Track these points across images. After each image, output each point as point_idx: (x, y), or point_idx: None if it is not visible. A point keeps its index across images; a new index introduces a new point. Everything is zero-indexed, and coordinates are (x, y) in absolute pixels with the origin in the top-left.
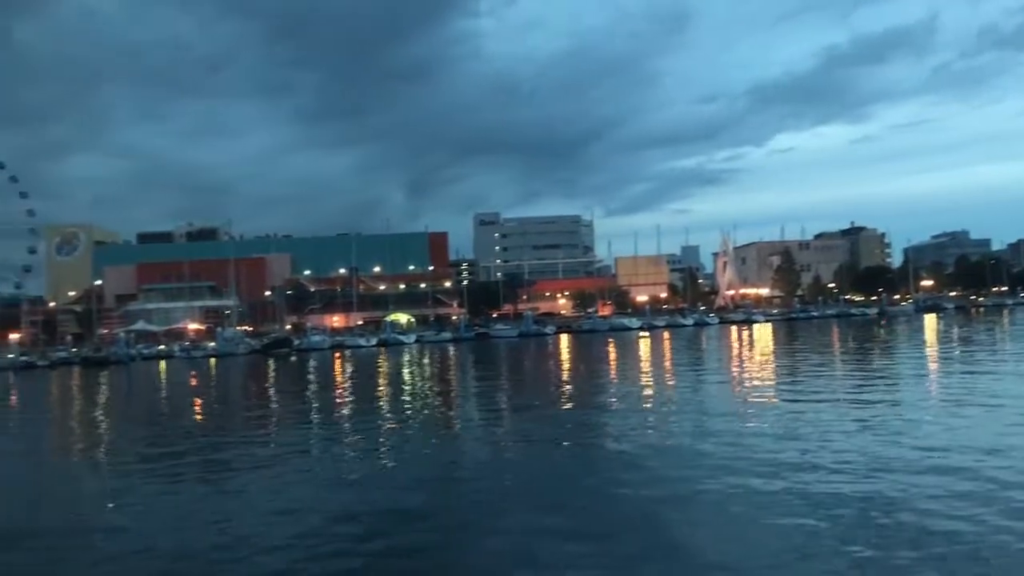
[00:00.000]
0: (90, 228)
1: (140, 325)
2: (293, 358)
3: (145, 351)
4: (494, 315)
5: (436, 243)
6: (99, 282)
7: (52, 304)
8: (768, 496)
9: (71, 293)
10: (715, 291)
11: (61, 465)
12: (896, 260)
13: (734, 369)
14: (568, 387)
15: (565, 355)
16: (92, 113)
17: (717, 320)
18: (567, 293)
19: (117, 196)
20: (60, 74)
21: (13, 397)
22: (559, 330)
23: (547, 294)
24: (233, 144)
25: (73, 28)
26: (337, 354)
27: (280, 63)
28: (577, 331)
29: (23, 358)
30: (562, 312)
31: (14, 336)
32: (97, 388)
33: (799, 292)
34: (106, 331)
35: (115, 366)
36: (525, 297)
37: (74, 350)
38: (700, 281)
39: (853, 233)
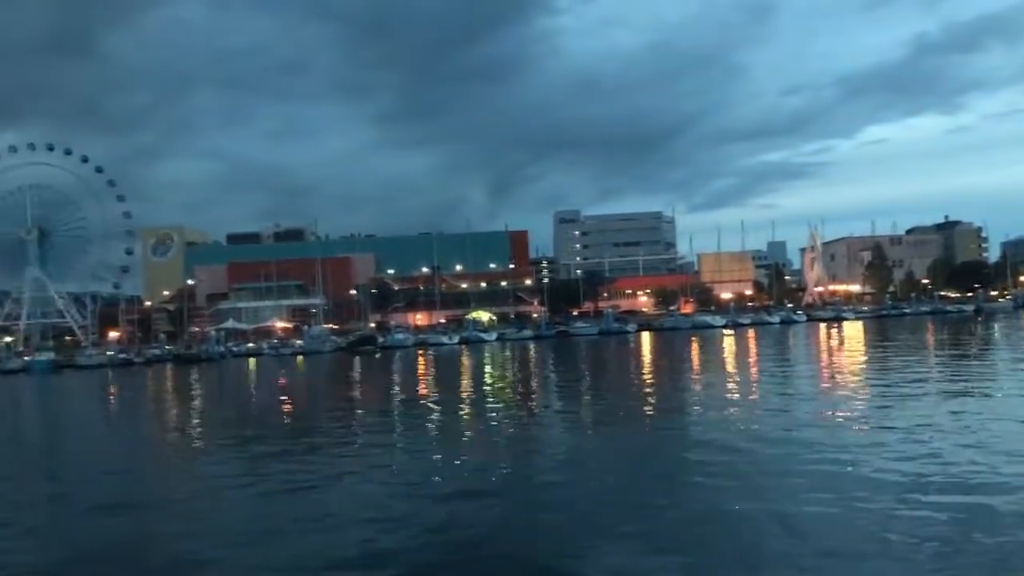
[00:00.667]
0: (182, 230)
1: (230, 323)
2: (378, 355)
3: (235, 349)
4: (574, 313)
5: (517, 241)
6: (191, 282)
7: (148, 303)
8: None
9: (165, 292)
10: (802, 288)
11: (156, 453)
12: (993, 255)
13: (826, 369)
14: (652, 386)
15: (647, 353)
16: (181, 118)
17: (805, 318)
18: (648, 291)
19: (207, 198)
20: (150, 82)
21: (112, 392)
22: (640, 328)
23: (628, 292)
24: (316, 145)
25: (161, 37)
26: (420, 351)
27: (360, 65)
28: (659, 329)
29: (121, 355)
30: (643, 310)
31: (113, 334)
32: (189, 384)
33: (891, 289)
34: (198, 329)
35: (206, 363)
36: (606, 295)
37: (167, 348)
38: (787, 278)
39: (947, 227)
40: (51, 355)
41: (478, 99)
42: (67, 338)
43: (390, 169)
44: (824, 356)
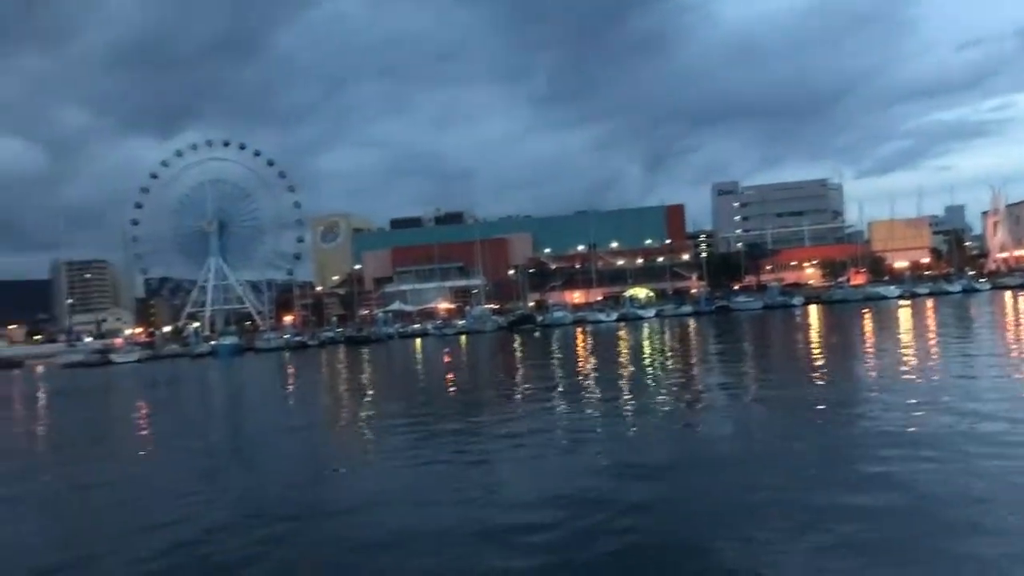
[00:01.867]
0: (348, 217)
1: (396, 305)
2: (537, 333)
3: (402, 330)
4: (735, 287)
5: (673, 216)
6: (358, 267)
7: (319, 288)
8: None
9: (334, 277)
10: (985, 254)
11: (330, 430)
12: None
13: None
14: (826, 361)
15: (816, 327)
16: (345, 110)
17: (988, 286)
18: (815, 262)
19: (371, 185)
20: (315, 76)
21: (291, 371)
22: (807, 301)
23: (792, 264)
24: (474, 130)
25: (323, 32)
26: (579, 329)
27: (515, 47)
28: (827, 302)
29: (296, 338)
30: (810, 282)
31: (288, 318)
32: (361, 364)
33: None
34: (366, 312)
35: (375, 344)
36: (769, 267)
37: (339, 330)
38: (967, 244)
39: None
40: (234, 339)
41: (632, 73)
42: (247, 323)
43: (546, 149)
44: (1015, 327)
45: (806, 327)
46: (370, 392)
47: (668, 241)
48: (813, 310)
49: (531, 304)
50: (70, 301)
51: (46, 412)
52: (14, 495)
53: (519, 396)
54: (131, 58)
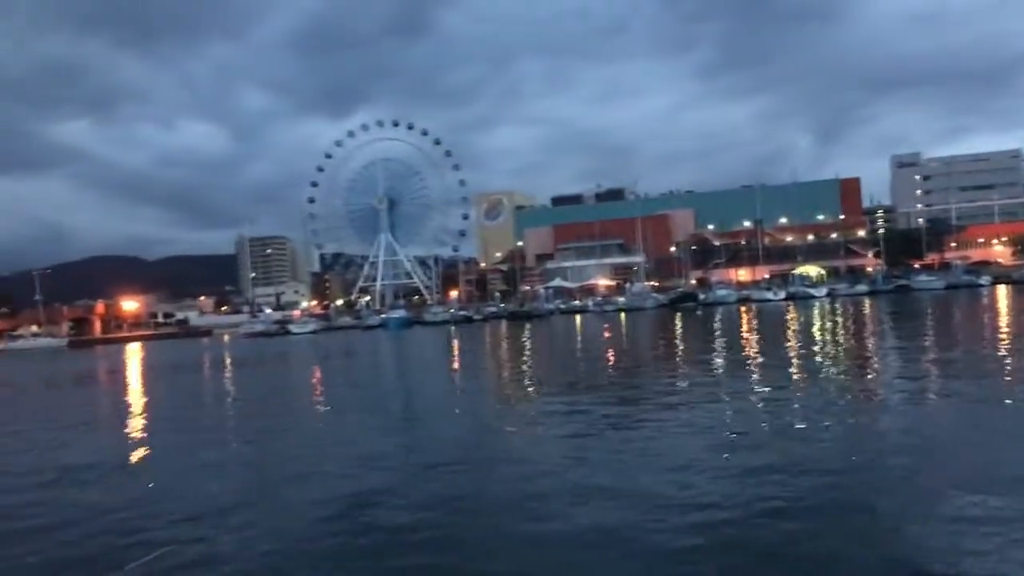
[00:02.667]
0: (511, 194)
1: (557, 282)
2: (699, 312)
3: (562, 306)
4: (916, 265)
5: (848, 190)
6: (521, 243)
7: (483, 264)
8: None
9: (497, 254)
10: None
11: (496, 397)
12: None
13: None
14: (1018, 348)
15: (1005, 309)
16: (508, 88)
17: None
18: (1005, 239)
19: (533, 163)
20: (480, 55)
21: (456, 344)
22: (996, 281)
23: (980, 241)
24: (636, 104)
25: (489, 10)
26: (743, 308)
27: (680, 19)
28: (1018, 281)
29: (461, 312)
30: (999, 261)
31: (453, 293)
32: (523, 338)
33: None
34: (528, 288)
35: (537, 319)
36: (953, 245)
37: (502, 305)
38: None
39: None
40: (403, 312)
41: (804, 40)
42: (415, 297)
43: (710, 123)
44: None
45: (995, 309)
46: (532, 365)
47: (842, 217)
48: (1002, 290)
49: (693, 282)
50: (253, 275)
51: (237, 376)
52: (217, 449)
53: (678, 375)
54: (308, 43)
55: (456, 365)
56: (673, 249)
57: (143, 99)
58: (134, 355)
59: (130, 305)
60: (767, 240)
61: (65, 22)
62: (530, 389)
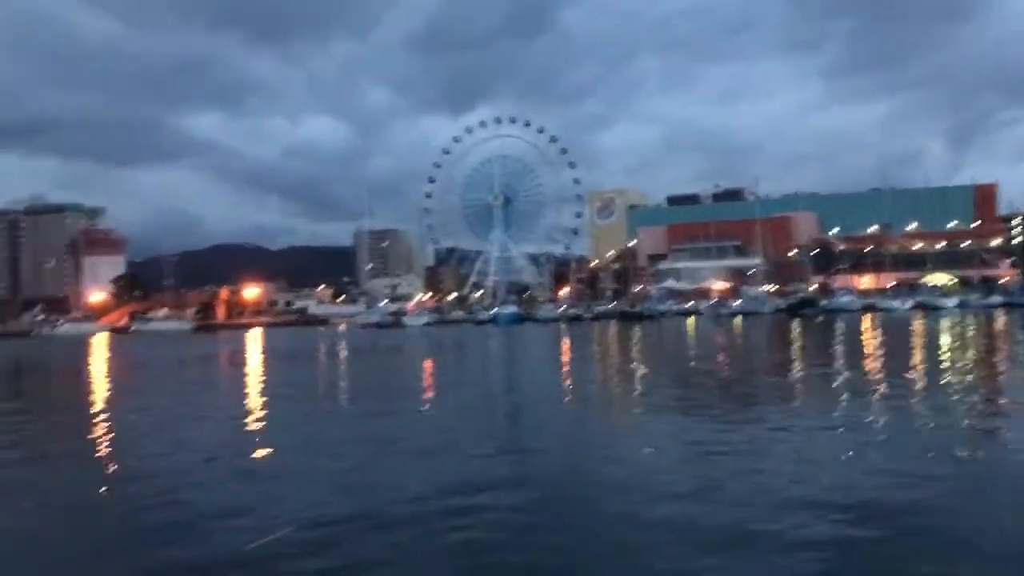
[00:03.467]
0: (625, 193)
1: (670, 283)
2: (819, 319)
3: (674, 307)
4: None
5: (983, 196)
6: (633, 242)
7: (594, 263)
8: None
9: (609, 253)
10: None
11: (602, 393)
12: None
13: None
14: None
15: None
16: (626, 85)
17: None
18: None
19: (648, 162)
20: (598, 52)
21: (565, 342)
22: None
23: None
24: (758, 105)
25: (609, 7)
26: (867, 316)
27: (809, 16)
28: None
29: (571, 311)
30: None
31: (564, 291)
32: (632, 338)
33: None
34: (639, 288)
35: (647, 320)
36: None
37: (612, 304)
38: None
39: None
40: (514, 309)
41: (938, 40)
42: (527, 294)
43: (836, 124)
44: None
45: None
46: (640, 366)
47: (976, 224)
48: None
49: (813, 287)
50: (370, 267)
51: (353, 365)
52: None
53: (794, 385)
54: (428, 41)
55: (565, 363)
56: (793, 253)
57: (271, 93)
58: (255, 340)
59: (252, 292)
60: (894, 246)
61: (200, 19)
62: (638, 393)
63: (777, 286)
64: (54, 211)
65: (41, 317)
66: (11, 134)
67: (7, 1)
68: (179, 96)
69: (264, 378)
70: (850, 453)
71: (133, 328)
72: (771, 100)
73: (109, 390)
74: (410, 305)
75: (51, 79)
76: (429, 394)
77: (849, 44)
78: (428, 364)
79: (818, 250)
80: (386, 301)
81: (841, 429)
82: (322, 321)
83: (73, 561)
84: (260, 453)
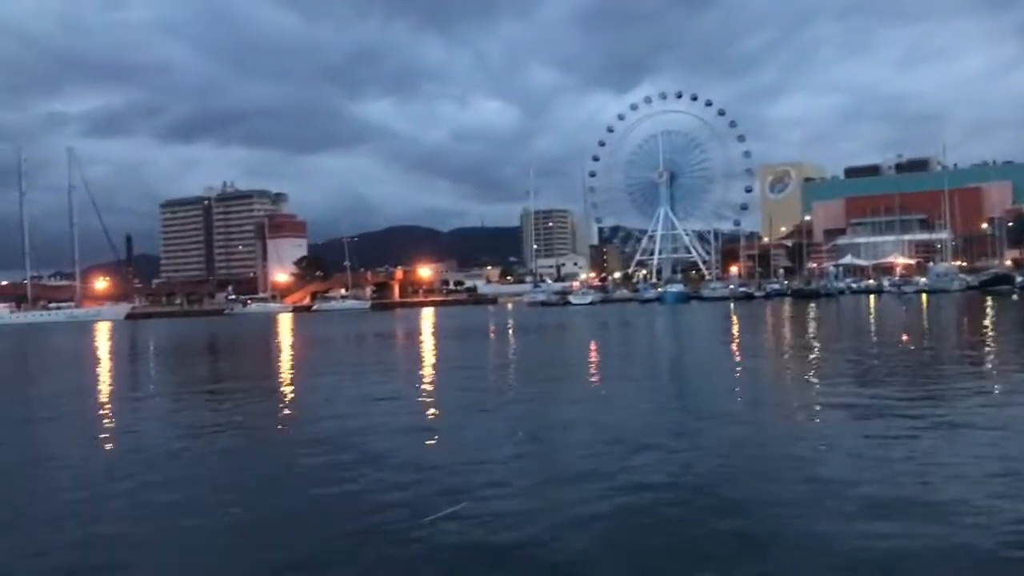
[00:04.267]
0: (799, 166)
1: (848, 259)
2: (1015, 297)
3: (854, 285)
4: None
5: None
6: (808, 217)
7: (766, 239)
8: None
9: (782, 229)
10: None
11: (774, 377)
12: None
13: None
14: None
15: None
16: (799, 54)
17: None
18: None
19: (824, 132)
20: (770, 21)
21: (735, 321)
22: None
23: None
24: (947, 68)
25: None
26: None
27: None
28: None
29: (741, 288)
30: None
31: (733, 269)
32: (807, 318)
33: None
34: (815, 265)
35: (824, 299)
36: None
37: (785, 283)
38: None
39: None
40: (680, 287)
41: None
42: (693, 272)
43: None
44: None
45: None
46: (815, 347)
47: None
48: None
49: (1008, 262)
50: (535, 247)
51: (521, 341)
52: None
53: (990, 372)
54: (594, 18)
55: (733, 343)
56: (985, 226)
57: (441, 78)
58: (429, 318)
59: (425, 272)
60: None
61: (373, 9)
62: (813, 376)
63: (967, 262)
64: (242, 197)
65: (232, 297)
66: (203, 126)
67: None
68: (354, 85)
69: (442, 355)
70: None
71: (315, 307)
72: (960, 62)
73: (296, 362)
74: (575, 284)
75: (238, 73)
76: (595, 374)
77: None
78: (593, 343)
79: (1013, 222)
80: (552, 280)
81: None
82: (491, 300)
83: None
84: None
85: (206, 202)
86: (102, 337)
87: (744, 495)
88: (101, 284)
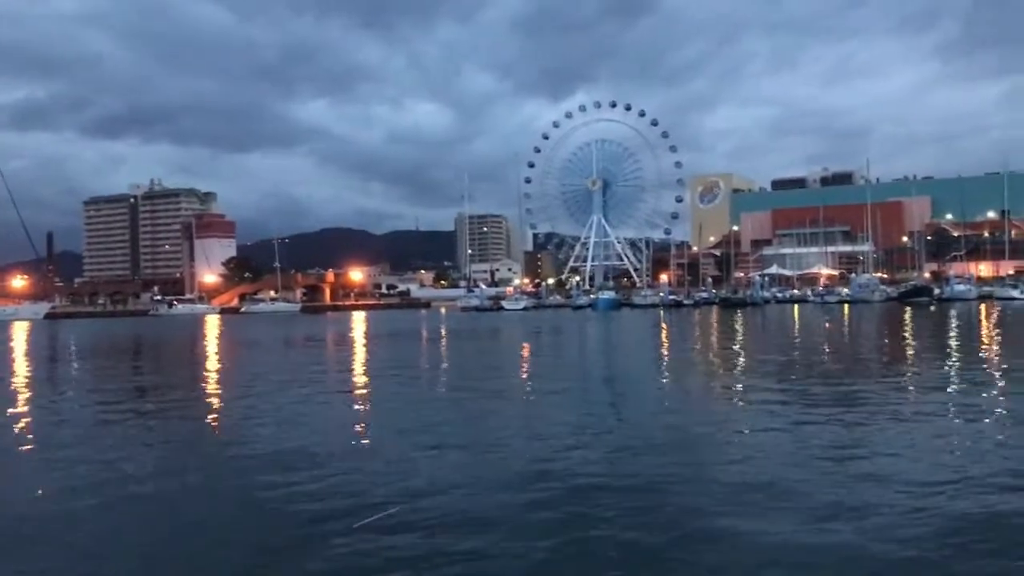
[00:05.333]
0: (729, 177)
1: (774, 269)
2: (932, 308)
3: (779, 295)
4: None
5: None
6: (736, 228)
7: (695, 248)
8: None
9: (711, 238)
10: None
11: (701, 382)
12: None
13: None
14: None
15: None
16: (731, 67)
17: None
18: None
19: (753, 145)
20: (703, 32)
21: (664, 328)
22: None
23: None
24: (870, 85)
25: None
26: (984, 306)
27: None
28: None
29: (671, 296)
30: None
31: (663, 276)
32: (734, 326)
33: None
34: (742, 274)
35: (750, 308)
36: None
37: (713, 291)
38: None
39: None
40: (612, 294)
41: None
42: (625, 279)
43: (952, 105)
44: None
45: None
46: (741, 354)
47: None
48: None
49: (927, 275)
50: (470, 251)
51: (453, 347)
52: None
53: (905, 380)
54: (531, 25)
55: (664, 350)
56: (905, 239)
57: (377, 79)
58: (360, 322)
59: (357, 275)
60: (1014, 233)
61: (309, 7)
62: (739, 381)
63: (887, 273)
64: (170, 196)
65: (158, 297)
66: (130, 122)
67: None
68: (288, 84)
69: (372, 358)
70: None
71: (243, 309)
72: (883, 80)
73: (220, 366)
74: (509, 289)
75: (167, 69)
76: (527, 378)
77: (965, 22)
78: (526, 348)
79: (932, 236)
80: (486, 285)
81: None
82: (424, 304)
83: None
84: (361, 432)
85: (132, 200)
86: (19, 336)
87: (669, 500)
88: (19, 282)
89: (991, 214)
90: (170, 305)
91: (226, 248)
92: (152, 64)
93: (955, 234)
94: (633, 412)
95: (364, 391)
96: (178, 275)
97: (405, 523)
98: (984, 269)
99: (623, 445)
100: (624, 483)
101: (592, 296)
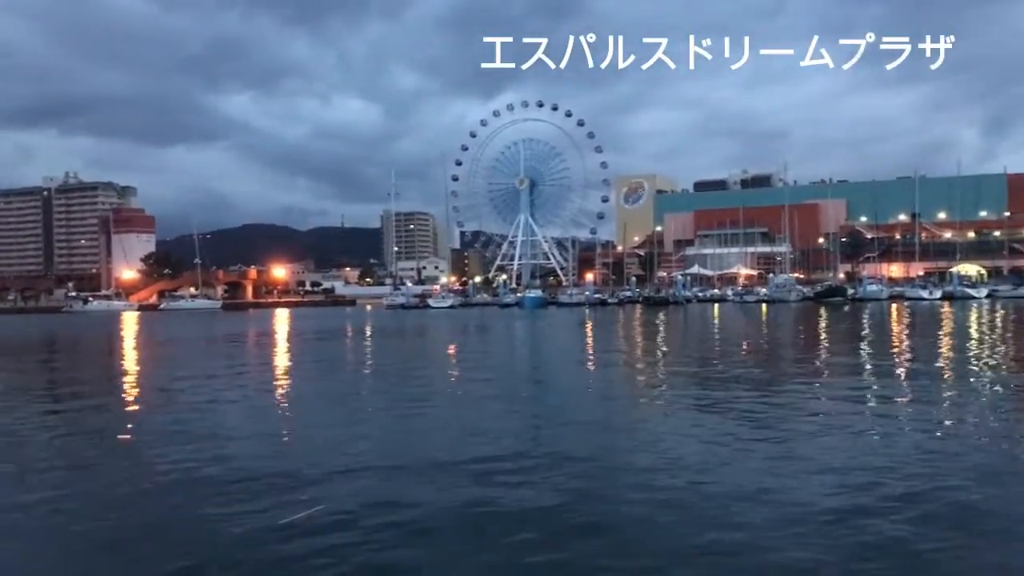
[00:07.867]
0: (653, 178)
1: (695, 269)
2: (847, 307)
3: (700, 294)
4: None
5: (1016, 186)
6: (659, 228)
7: (620, 248)
8: None
9: (635, 238)
10: None
11: (623, 375)
12: None
13: None
14: None
15: None
16: (656, 70)
17: None
18: None
19: (677, 147)
20: (629, 34)
21: (589, 326)
22: None
23: None
24: (789, 90)
25: None
26: (894, 306)
27: (839, 1)
28: None
29: (596, 295)
30: None
31: (589, 275)
32: (656, 324)
33: None
34: (664, 274)
35: (672, 306)
36: None
37: (637, 290)
38: None
39: None
40: (539, 292)
41: (975, 25)
42: (551, 278)
43: (867, 110)
44: None
45: None
46: (663, 350)
47: (1007, 214)
48: None
49: (841, 276)
50: (396, 249)
51: (378, 344)
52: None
53: (820, 373)
54: (459, 23)
55: (589, 346)
56: (821, 241)
57: (304, 75)
58: (283, 319)
59: (280, 272)
60: (924, 235)
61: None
62: (660, 378)
63: (804, 274)
64: (86, 189)
65: (72, 294)
66: (46, 113)
67: None
68: (213, 77)
69: (295, 356)
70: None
71: (162, 306)
72: (801, 85)
73: (138, 364)
74: (435, 287)
75: (86, 59)
76: (453, 374)
77: (880, 30)
78: (452, 346)
79: (846, 238)
80: (412, 283)
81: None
82: (349, 302)
83: None
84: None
85: (45, 193)
86: None
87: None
88: None
89: (903, 217)
90: (85, 302)
91: (145, 244)
92: (69, 53)
93: (868, 236)
94: (553, 406)
95: (285, 390)
96: (94, 271)
97: (332, 519)
98: (895, 270)
99: (538, 426)
100: (529, 463)
101: (519, 294)
